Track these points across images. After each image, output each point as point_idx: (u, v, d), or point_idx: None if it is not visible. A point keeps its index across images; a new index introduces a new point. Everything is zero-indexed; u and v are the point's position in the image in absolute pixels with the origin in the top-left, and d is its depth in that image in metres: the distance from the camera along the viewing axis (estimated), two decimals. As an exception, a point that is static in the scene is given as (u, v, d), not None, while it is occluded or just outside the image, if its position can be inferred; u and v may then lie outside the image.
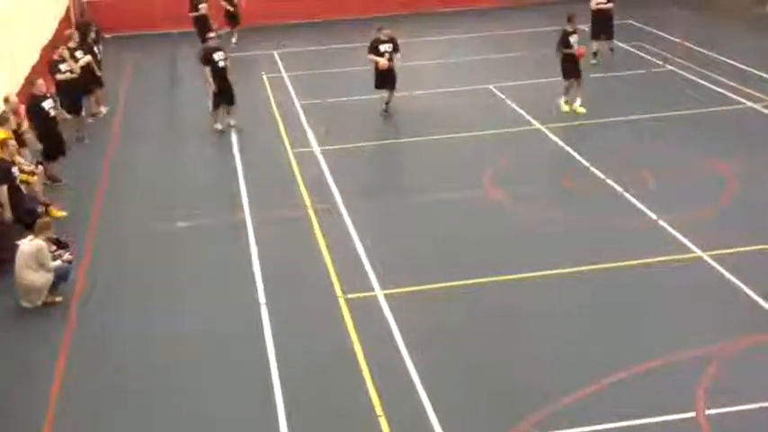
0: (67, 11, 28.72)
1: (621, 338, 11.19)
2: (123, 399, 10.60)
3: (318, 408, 10.19)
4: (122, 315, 12.52)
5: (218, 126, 19.91)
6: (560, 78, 20.07)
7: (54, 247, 13.09)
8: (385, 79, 20.04)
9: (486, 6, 31.33)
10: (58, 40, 22.78)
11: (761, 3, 28.95)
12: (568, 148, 17.68)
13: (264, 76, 24.49)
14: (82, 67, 20.14)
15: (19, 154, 15.40)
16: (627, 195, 15.25)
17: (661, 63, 23.08)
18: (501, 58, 25.12)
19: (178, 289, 13.23)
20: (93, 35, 22.82)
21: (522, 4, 31.32)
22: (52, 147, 17.18)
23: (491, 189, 15.96)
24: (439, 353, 11.10)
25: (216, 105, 19.79)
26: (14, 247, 12.85)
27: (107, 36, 27.57)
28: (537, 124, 19.17)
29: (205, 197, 16.60)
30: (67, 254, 13.21)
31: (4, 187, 13.96)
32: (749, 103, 19.69)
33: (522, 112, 20.03)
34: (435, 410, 9.91)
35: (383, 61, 19.73)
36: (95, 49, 22.31)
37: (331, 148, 18.55)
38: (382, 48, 19.82)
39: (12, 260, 12.81)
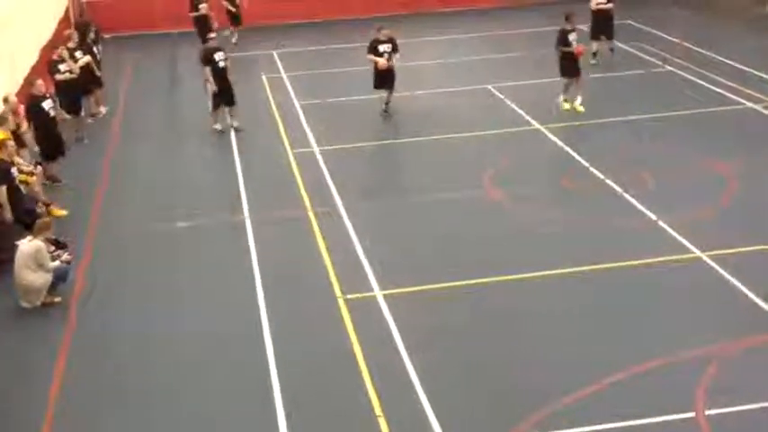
0: (67, 11, 28.71)
1: (621, 339, 11.19)
2: (123, 399, 10.60)
3: (318, 408, 10.19)
4: (122, 315, 12.52)
5: (218, 126, 19.91)
6: (560, 78, 20.12)
7: (53, 248, 13.08)
8: (384, 79, 20.05)
9: (486, 6, 31.33)
10: (57, 40, 22.77)
11: (761, 3, 28.95)
12: (568, 149, 17.68)
13: (264, 77, 24.49)
14: (81, 68, 20.15)
15: (18, 154, 15.41)
16: (626, 196, 15.26)
17: (660, 63, 23.09)
18: (500, 58, 25.12)
19: (178, 289, 13.23)
20: (92, 35, 22.83)
21: (521, 4, 31.32)
22: (52, 147, 17.17)
23: (491, 189, 15.96)
24: (438, 353, 11.10)
25: (216, 106, 19.78)
26: (14, 248, 12.85)
27: (106, 36, 27.57)
28: (536, 124, 19.16)
29: (205, 197, 16.60)
30: (66, 254, 13.20)
31: (4, 187, 13.96)
32: (749, 104, 19.69)
33: (521, 112, 20.03)
34: (435, 411, 9.91)
35: (382, 61, 19.74)
36: (95, 49, 22.31)
37: (331, 148, 18.55)
38: (381, 48, 19.83)
39: (12, 260, 12.80)
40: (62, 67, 19.49)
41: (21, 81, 20.18)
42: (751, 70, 21.98)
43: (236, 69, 20.69)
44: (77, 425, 10.23)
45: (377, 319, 11.88)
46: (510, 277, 12.79)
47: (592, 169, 16.49)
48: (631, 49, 24.62)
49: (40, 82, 17.47)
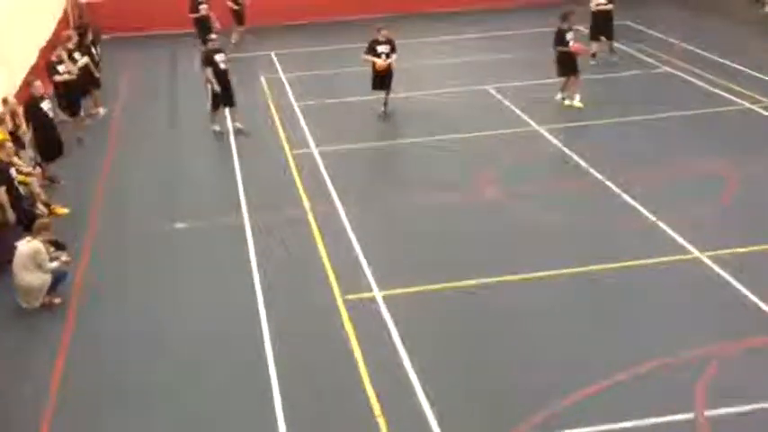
0: (65, 12, 28.70)
1: (621, 339, 11.19)
2: (122, 399, 10.59)
3: (317, 408, 10.18)
4: (121, 316, 12.51)
5: (217, 127, 19.90)
6: (559, 78, 20.17)
7: (52, 249, 13.08)
8: (382, 80, 20.07)
9: (485, 7, 31.31)
10: (56, 41, 22.77)
11: (759, 3, 28.97)
12: (567, 149, 17.68)
13: (262, 78, 24.49)
14: (80, 69, 20.14)
15: (17, 155, 15.40)
16: (626, 196, 15.25)
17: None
18: (499, 59, 25.11)
19: (177, 290, 13.22)
20: (90, 36, 22.84)
21: (520, 5, 31.31)
22: (50, 148, 17.17)
23: (490, 190, 15.96)
24: (438, 353, 11.09)
25: (215, 107, 19.77)
26: (15, 248, 12.84)
27: (106, 37, 27.54)
28: (535, 125, 19.16)
29: (204, 198, 16.59)
30: (65, 255, 13.19)
31: (3, 188, 13.94)
32: (748, 104, 19.69)
33: (520, 112, 20.03)
34: (434, 411, 9.91)
35: (380, 61, 19.74)
36: (93, 50, 22.32)
37: (329, 149, 18.54)
38: (379, 49, 19.83)
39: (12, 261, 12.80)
40: (61, 68, 19.49)
41: (19, 82, 20.18)
42: (750, 71, 21.98)
43: (235, 70, 20.68)
44: (77, 425, 10.23)
45: (376, 320, 11.88)
46: (510, 277, 12.79)
47: (591, 170, 16.49)
48: (630, 50, 24.61)
49: (38, 83, 17.47)
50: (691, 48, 24.35)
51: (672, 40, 25.35)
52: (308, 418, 10.02)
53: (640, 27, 27.18)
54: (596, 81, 21.82)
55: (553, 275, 12.76)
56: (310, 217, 15.23)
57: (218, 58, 19.46)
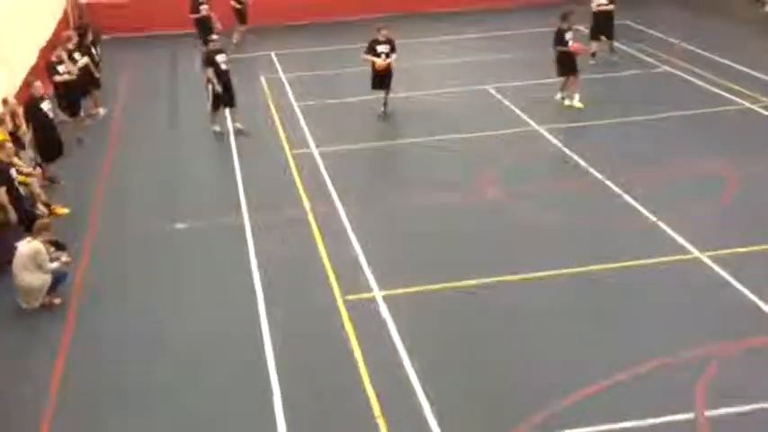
0: (65, 12, 28.71)
1: (621, 339, 11.19)
2: (122, 399, 10.59)
3: (317, 409, 10.18)
4: (122, 316, 12.51)
5: (217, 128, 19.90)
6: (558, 78, 20.18)
7: (52, 249, 13.07)
8: (382, 80, 20.08)
9: (485, 7, 31.31)
10: (56, 41, 22.77)
11: (759, 3, 28.96)
12: (567, 149, 17.68)
13: (263, 78, 24.49)
14: (80, 69, 20.14)
15: (17, 155, 15.40)
16: (626, 196, 15.25)
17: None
18: (499, 59, 25.11)
19: (177, 290, 13.22)
20: (90, 37, 22.83)
21: (521, 6, 31.31)
22: (50, 148, 17.17)
23: (490, 190, 15.96)
24: (438, 354, 11.09)
25: (215, 107, 19.78)
26: (15, 249, 12.84)
27: (106, 37, 27.54)
28: (535, 125, 19.16)
29: (204, 198, 16.59)
30: (65, 255, 13.19)
31: (3, 189, 13.94)
32: (748, 104, 19.69)
33: (520, 112, 20.03)
34: (434, 412, 9.91)
35: (380, 61, 19.75)
36: (93, 50, 22.32)
37: (329, 149, 18.54)
38: (379, 48, 19.85)
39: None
40: (60, 68, 19.49)
41: (19, 83, 20.18)
42: (750, 70, 21.98)
43: (235, 70, 20.67)
44: (77, 425, 10.23)
45: (376, 320, 11.88)
46: (510, 278, 12.79)
47: (591, 170, 16.49)
48: (630, 50, 24.61)
49: (38, 83, 17.47)
50: (691, 47, 24.35)
51: (672, 39, 25.35)
52: (308, 418, 10.02)
53: (641, 27, 27.18)
54: (596, 81, 21.82)
55: (553, 275, 12.76)
56: (310, 217, 15.23)
57: (220, 58, 19.47)
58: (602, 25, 23.37)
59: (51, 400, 10.60)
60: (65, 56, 19.86)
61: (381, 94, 20.29)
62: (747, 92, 20.34)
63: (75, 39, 21.28)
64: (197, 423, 10.13)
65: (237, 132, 19.80)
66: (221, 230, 15.05)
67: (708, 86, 21.08)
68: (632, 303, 12.01)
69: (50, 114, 17.29)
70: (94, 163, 18.55)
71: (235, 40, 27.72)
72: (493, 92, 21.70)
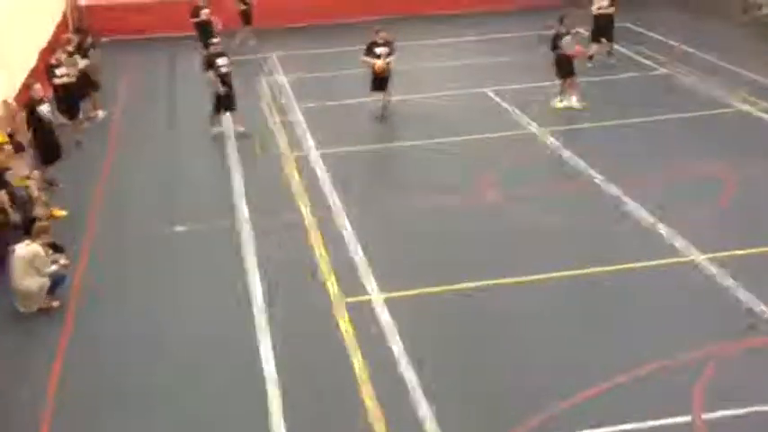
0: (65, 15, 28.72)
1: (619, 341, 11.20)
2: (121, 401, 10.60)
3: (316, 411, 10.19)
4: (120, 318, 12.51)
5: (217, 130, 19.92)
6: (556, 81, 20.22)
7: (51, 252, 13.07)
8: (381, 82, 20.10)
9: (485, 10, 31.31)
10: (55, 44, 22.79)
11: (756, 6, 28.94)
12: (566, 151, 17.70)
13: (263, 79, 24.50)
14: (79, 71, 20.16)
15: (14, 158, 15.39)
16: (624, 198, 15.27)
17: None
18: (498, 62, 25.12)
19: (176, 292, 13.23)
20: (89, 39, 22.85)
21: (519, 8, 31.31)
22: (49, 151, 17.17)
23: (489, 192, 15.97)
24: (437, 356, 11.10)
25: (216, 110, 19.80)
26: (12, 249, 12.84)
27: (105, 40, 27.57)
28: (534, 127, 19.18)
29: (203, 201, 16.59)
30: (63, 258, 13.19)
31: (3, 191, 13.96)
32: (746, 107, 19.71)
33: (519, 115, 20.05)
34: (433, 414, 9.92)
35: (379, 62, 19.78)
36: (92, 52, 22.32)
37: (329, 150, 18.55)
38: (378, 50, 19.88)
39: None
40: (59, 71, 19.50)
41: (18, 85, 20.19)
42: (748, 73, 21.99)
43: (236, 72, 20.68)
44: (76, 428, 10.23)
45: (375, 322, 11.89)
46: (509, 280, 12.80)
47: (590, 172, 16.50)
48: (629, 52, 24.63)
49: (38, 86, 17.48)
50: (690, 50, 24.37)
51: (672, 42, 25.36)
52: (308, 419, 10.03)
53: (640, 29, 27.18)
54: (595, 83, 21.83)
55: (552, 278, 12.77)
56: (310, 219, 15.25)
57: (221, 61, 19.49)
58: (603, 28, 23.41)
59: (49, 403, 10.60)
60: (64, 58, 19.87)
61: (381, 96, 20.30)
62: (745, 95, 20.35)
63: (75, 41, 21.29)
64: (196, 425, 10.14)
65: (237, 134, 19.81)
66: (221, 233, 15.05)
67: (706, 89, 21.09)
68: (630, 306, 12.03)
69: (50, 117, 17.29)
70: (94, 165, 18.56)
71: (238, 41, 27.74)
72: (492, 95, 21.72)
